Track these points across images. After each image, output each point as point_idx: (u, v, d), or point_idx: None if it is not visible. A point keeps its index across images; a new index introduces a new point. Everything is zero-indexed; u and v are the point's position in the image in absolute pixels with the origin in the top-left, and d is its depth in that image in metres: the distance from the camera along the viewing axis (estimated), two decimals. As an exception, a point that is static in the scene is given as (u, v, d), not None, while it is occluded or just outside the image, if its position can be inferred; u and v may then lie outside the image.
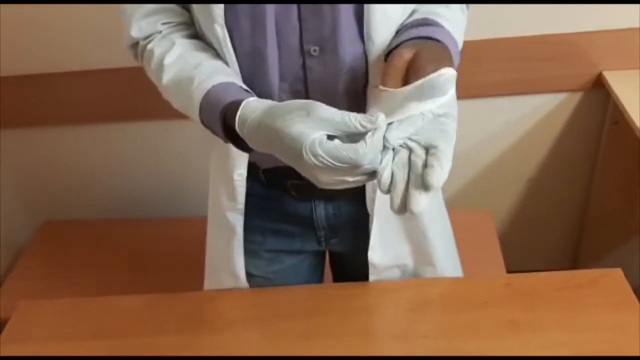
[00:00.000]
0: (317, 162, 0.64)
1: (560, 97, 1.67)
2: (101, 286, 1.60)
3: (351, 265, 1.08)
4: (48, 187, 1.86)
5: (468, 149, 1.75)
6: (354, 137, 0.65)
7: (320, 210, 1.01)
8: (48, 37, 1.58)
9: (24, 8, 1.52)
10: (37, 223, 1.86)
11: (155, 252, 1.70)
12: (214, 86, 0.80)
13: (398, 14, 0.83)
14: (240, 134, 0.74)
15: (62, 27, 1.56)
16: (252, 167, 0.97)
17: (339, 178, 0.66)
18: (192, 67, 0.83)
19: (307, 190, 0.93)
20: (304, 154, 0.64)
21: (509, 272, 1.56)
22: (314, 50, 0.83)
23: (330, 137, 0.65)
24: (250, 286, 1.05)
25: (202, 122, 0.82)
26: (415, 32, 0.78)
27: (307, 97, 0.86)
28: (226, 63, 0.85)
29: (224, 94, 0.79)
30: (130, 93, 1.55)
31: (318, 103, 0.67)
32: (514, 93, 1.65)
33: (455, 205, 1.14)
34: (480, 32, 1.52)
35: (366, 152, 0.63)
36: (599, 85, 1.61)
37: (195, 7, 0.86)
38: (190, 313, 1.02)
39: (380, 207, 0.97)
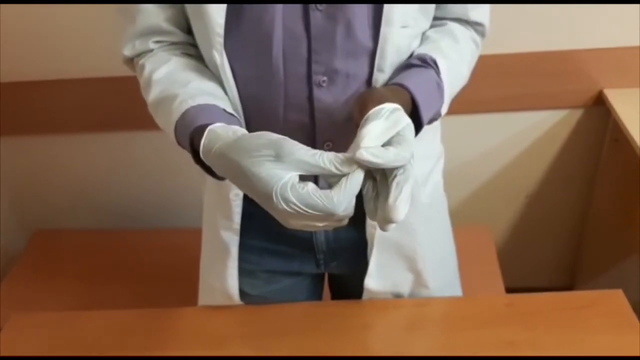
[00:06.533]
0: (287, 208, 0.61)
1: (561, 113, 1.66)
2: (93, 296, 1.58)
3: (349, 288, 1.05)
4: (41, 195, 1.84)
5: (467, 163, 1.74)
6: (328, 176, 0.62)
7: (321, 234, 0.98)
8: (46, 44, 1.56)
9: (24, 14, 1.51)
10: (29, 232, 1.84)
11: (148, 263, 1.68)
12: (192, 107, 0.75)
13: (408, 46, 0.82)
14: (206, 162, 0.70)
15: (61, 34, 1.54)
16: None
17: (309, 223, 0.63)
18: (179, 86, 0.80)
19: None
20: (274, 198, 0.61)
21: (507, 287, 1.56)
22: (323, 82, 0.81)
23: (303, 175, 0.62)
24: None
25: (179, 143, 0.78)
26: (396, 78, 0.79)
27: (313, 128, 0.84)
28: (223, 87, 0.82)
29: (197, 116, 0.74)
30: (127, 102, 1.53)
31: (288, 141, 0.63)
32: (515, 109, 1.65)
33: (454, 219, 1.14)
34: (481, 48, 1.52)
35: (341, 200, 0.60)
36: (600, 103, 1.61)
37: (195, 30, 0.83)
38: (183, 328, 1.00)
39: (380, 235, 0.94)
